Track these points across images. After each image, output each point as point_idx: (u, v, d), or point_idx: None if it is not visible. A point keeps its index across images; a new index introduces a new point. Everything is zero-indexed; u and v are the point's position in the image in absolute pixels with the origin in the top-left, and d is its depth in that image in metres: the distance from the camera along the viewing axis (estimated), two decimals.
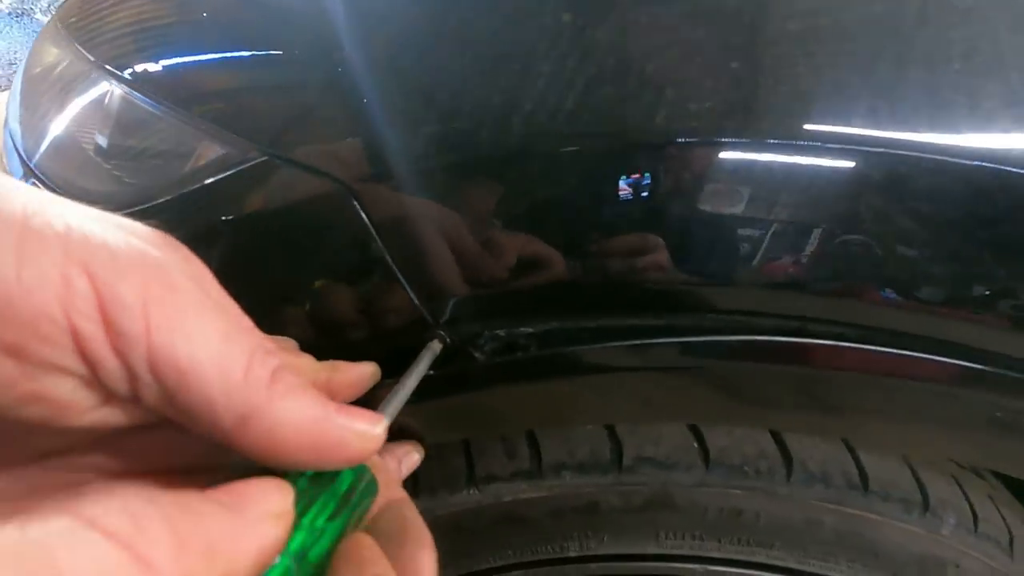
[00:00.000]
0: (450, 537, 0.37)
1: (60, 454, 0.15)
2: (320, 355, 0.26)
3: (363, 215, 0.27)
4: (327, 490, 0.17)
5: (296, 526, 0.15)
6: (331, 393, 0.24)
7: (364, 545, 0.17)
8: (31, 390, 0.12)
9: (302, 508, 0.15)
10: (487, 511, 0.35)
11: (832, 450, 0.34)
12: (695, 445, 0.34)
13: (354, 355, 0.26)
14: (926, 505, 0.33)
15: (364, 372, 0.25)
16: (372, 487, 0.20)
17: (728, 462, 0.33)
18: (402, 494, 0.24)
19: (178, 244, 0.17)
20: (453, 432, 0.32)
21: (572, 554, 0.36)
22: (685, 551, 0.35)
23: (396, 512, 0.21)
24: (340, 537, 0.17)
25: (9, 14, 3.12)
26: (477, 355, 0.29)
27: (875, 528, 0.33)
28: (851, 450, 0.34)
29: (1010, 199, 0.24)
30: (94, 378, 0.13)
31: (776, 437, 0.34)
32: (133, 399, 0.13)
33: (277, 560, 0.14)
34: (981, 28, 0.25)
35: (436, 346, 0.28)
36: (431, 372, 0.27)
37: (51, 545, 0.10)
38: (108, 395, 0.13)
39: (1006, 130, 0.24)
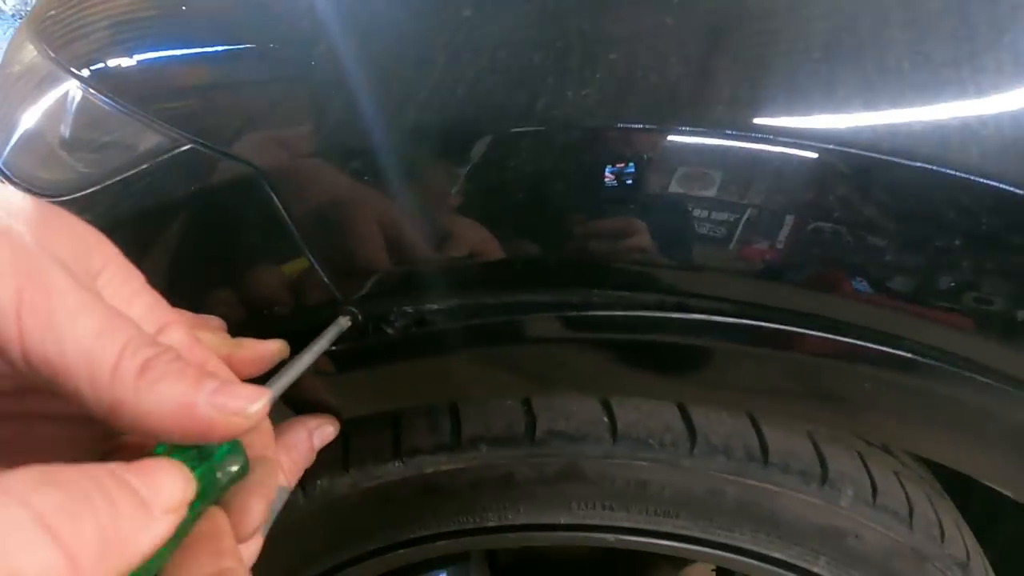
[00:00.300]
0: (378, 508, 0.39)
1: None
2: (243, 332, 0.28)
3: (274, 198, 0.29)
4: (199, 468, 0.17)
5: None
6: (234, 369, 0.25)
7: (220, 525, 0.18)
8: None
9: None
10: (412, 482, 0.37)
11: (736, 424, 0.35)
12: (604, 419, 0.35)
13: (275, 332, 0.28)
14: (825, 477, 0.35)
15: (267, 349, 0.27)
16: (243, 469, 0.20)
17: (635, 435, 0.35)
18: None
19: (68, 222, 0.18)
20: (366, 405, 0.34)
21: (491, 524, 0.37)
22: (597, 521, 0.36)
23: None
24: (200, 514, 0.18)
25: (12, 15, 3.17)
26: (388, 330, 0.31)
27: (775, 499, 0.35)
28: (755, 424, 0.36)
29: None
30: None
31: (683, 412, 0.35)
32: (20, 379, 0.15)
33: None
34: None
35: (344, 322, 0.30)
36: (335, 347, 0.29)
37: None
38: None
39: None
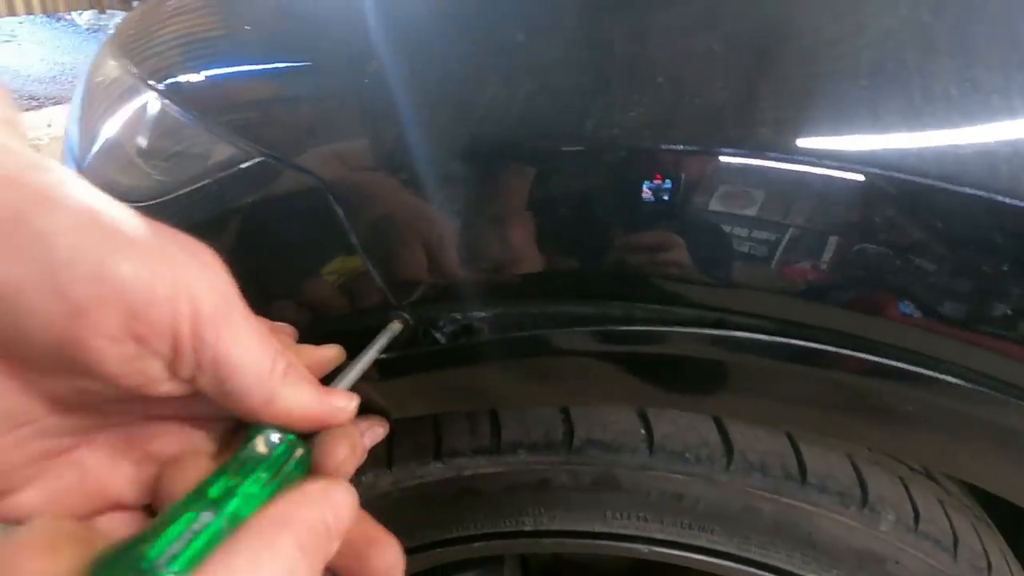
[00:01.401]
0: (418, 506, 0.40)
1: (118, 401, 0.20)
2: (302, 334, 0.30)
3: (336, 208, 0.31)
4: (263, 464, 0.19)
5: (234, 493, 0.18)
6: None
7: None
8: (139, 367, 0.17)
9: (241, 477, 0.19)
10: (451, 483, 0.39)
11: (774, 442, 0.36)
12: (641, 431, 0.36)
13: (331, 333, 0.31)
14: (864, 500, 0.35)
15: (324, 355, 0.29)
16: (304, 464, 0.21)
17: (671, 448, 0.35)
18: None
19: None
20: (415, 408, 0.36)
21: (527, 528, 0.38)
22: (631, 531, 0.37)
23: None
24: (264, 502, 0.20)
25: (87, 29, 3.39)
26: (437, 336, 0.33)
27: (812, 519, 0.35)
28: (793, 443, 0.36)
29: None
30: (173, 365, 0.18)
31: (720, 427, 0.36)
32: (187, 381, 0.18)
33: (211, 519, 0.17)
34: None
35: (396, 326, 0.31)
36: (385, 355, 0.31)
37: None
38: (174, 375, 0.18)
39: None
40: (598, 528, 0.37)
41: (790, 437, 0.36)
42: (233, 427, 0.22)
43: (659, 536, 0.37)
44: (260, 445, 0.20)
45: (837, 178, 0.26)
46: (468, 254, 0.31)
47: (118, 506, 0.20)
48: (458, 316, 0.33)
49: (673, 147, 0.28)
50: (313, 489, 0.19)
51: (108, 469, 0.20)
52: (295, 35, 0.39)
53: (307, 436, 0.22)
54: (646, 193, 0.29)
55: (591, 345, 0.31)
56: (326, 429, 0.21)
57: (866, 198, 0.26)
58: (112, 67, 0.48)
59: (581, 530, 0.38)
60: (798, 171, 0.27)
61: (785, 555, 0.36)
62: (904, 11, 0.28)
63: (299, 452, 0.21)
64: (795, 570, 0.36)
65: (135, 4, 3.41)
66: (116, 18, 3.31)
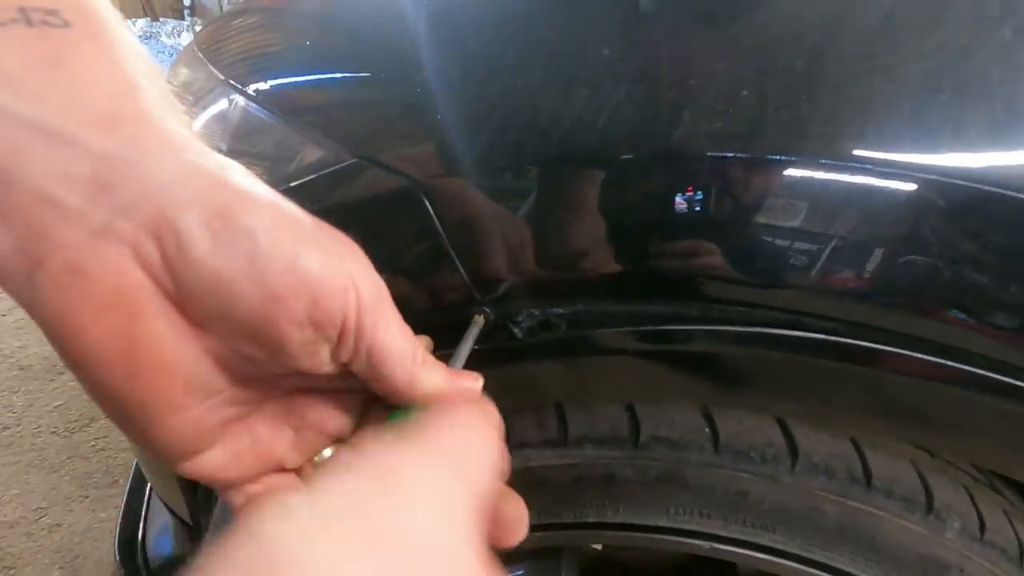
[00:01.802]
0: None
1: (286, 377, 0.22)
2: None
3: (429, 208, 0.33)
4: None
5: None
6: None
7: None
8: (312, 349, 0.20)
9: None
10: (517, 474, 0.40)
11: (838, 446, 0.36)
12: (707, 430, 0.37)
13: (417, 325, 0.33)
14: (930, 506, 0.35)
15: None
16: None
17: (736, 447, 0.36)
18: None
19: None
20: (494, 398, 0.38)
21: (590, 520, 0.40)
22: (693, 527, 0.38)
23: None
24: None
25: (140, 36, 3.54)
26: (516, 331, 0.35)
27: (876, 523, 0.35)
28: (857, 448, 0.36)
29: None
30: (336, 349, 0.20)
31: (784, 429, 0.37)
32: (345, 363, 0.21)
33: None
34: None
35: (480, 320, 0.33)
36: (476, 347, 0.33)
37: None
38: (336, 358, 0.21)
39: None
40: (660, 523, 0.39)
41: (854, 442, 0.37)
42: (368, 400, 0.25)
43: (721, 533, 0.38)
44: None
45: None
46: (547, 253, 0.33)
47: (281, 467, 0.22)
48: (536, 312, 0.35)
49: (742, 156, 0.30)
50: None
51: (274, 434, 0.22)
52: (373, 47, 0.42)
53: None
54: (717, 198, 0.30)
55: (663, 343, 0.32)
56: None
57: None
58: (192, 74, 0.52)
59: (643, 524, 0.39)
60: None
61: (848, 558, 0.37)
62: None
63: None
64: (858, 573, 0.37)
65: (187, 13, 3.55)
66: (168, 26, 3.45)
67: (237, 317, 0.18)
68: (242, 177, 0.19)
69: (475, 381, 0.24)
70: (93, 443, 1.18)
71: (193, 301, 0.18)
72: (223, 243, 0.17)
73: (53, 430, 1.20)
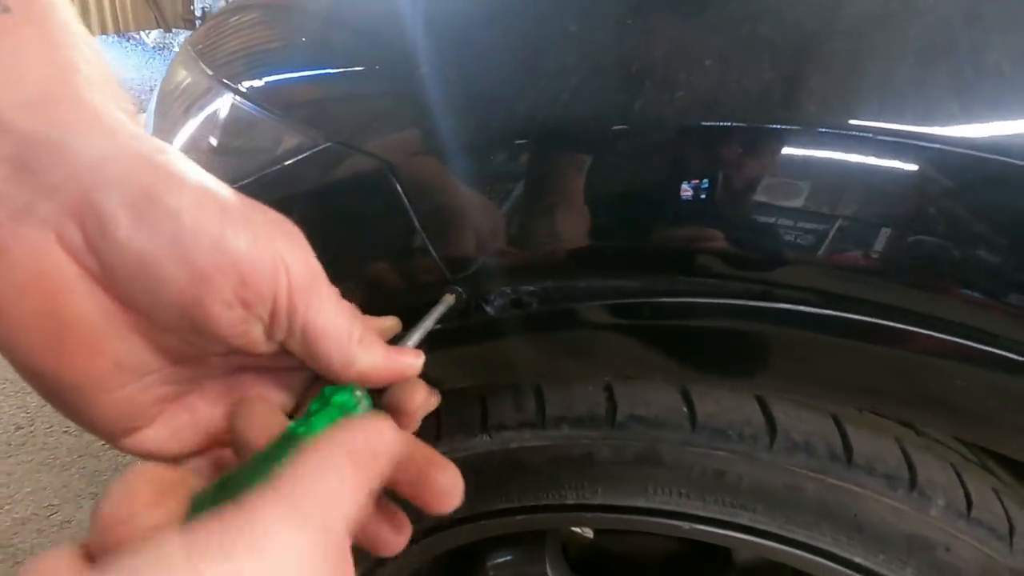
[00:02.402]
0: (465, 478, 0.42)
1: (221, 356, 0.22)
2: (365, 305, 0.32)
3: (399, 187, 0.34)
4: (334, 416, 0.22)
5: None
6: None
7: None
8: (244, 329, 0.20)
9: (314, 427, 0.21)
10: (497, 456, 0.40)
11: (819, 423, 0.36)
12: (684, 409, 0.37)
13: (390, 307, 0.33)
14: (913, 483, 0.34)
15: (384, 325, 0.32)
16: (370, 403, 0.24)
17: (714, 425, 0.36)
18: None
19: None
20: (466, 378, 0.38)
21: (570, 502, 0.40)
22: (672, 507, 0.38)
23: None
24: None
25: (153, 48, 3.62)
26: (488, 309, 0.35)
27: (858, 501, 0.35)
28: (839, 425, 0.36)
29: None
30: (270, 328, 0.20)
31: (763, 407, 0.36)
32: (280, 342, 0.21)
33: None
34: None
35: (450, 299, 0.34)
36: (440, 325, 0.33)
37: None
38: (270, 337, 0.21)
39: None
40: (639, 503, 0.38)
41: (836, 419, 0.36)
42: (311, 377, 0.25)
43: (700, 513, 0.37)
44: (332, 400, 0.22)
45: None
46: (516, 232, 0.33)
47: (221, 443, 0.23)
48: (508, 290, 0.35)
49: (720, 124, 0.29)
50: (357, 420, 0.20)
51: (213, 411, 0.22)
52: (351, 41, 0.42)
53: (380, 391, 0.24)
54: (691, 171, 0.30)
55: (632, 316, 0.32)
56: (400, 382, 0.24)
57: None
58: (187, 73, 0.53)
59: (622, 504, 0.39)
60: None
61: (831, 537, 0.36)
62: None
63: (364, 405, 0.24)
64: (841, 552, 0.36)
65: (198, 23, 3.62)
66: (180, 36, 3.52)
67: (164, 298, 0.18)
68: (173, 158, 0.19)
69: (416, 358, 0.24)
70: (103, 442, 1.20)
71: (119, 283, 0.18)
72: (147, 224, 0.18)
73: (65, 429, 1.23)
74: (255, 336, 0.20)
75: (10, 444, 1.19)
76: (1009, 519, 0.35)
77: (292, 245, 0.20)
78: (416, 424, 0.25)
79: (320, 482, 0.17)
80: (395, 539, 0.23)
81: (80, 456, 1.17)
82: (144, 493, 0.16)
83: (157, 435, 0.21)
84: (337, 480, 0.17)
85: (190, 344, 0.20)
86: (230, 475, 0.19)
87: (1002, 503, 0.36)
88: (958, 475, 0.36)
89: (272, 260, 0.19)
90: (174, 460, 0.22)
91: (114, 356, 0.19)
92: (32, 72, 0.18)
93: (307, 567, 0.15)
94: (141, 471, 0.17)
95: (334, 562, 0.15)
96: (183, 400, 0.22)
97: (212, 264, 0.18)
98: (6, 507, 1.07)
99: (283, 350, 0.21)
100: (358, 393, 0.22)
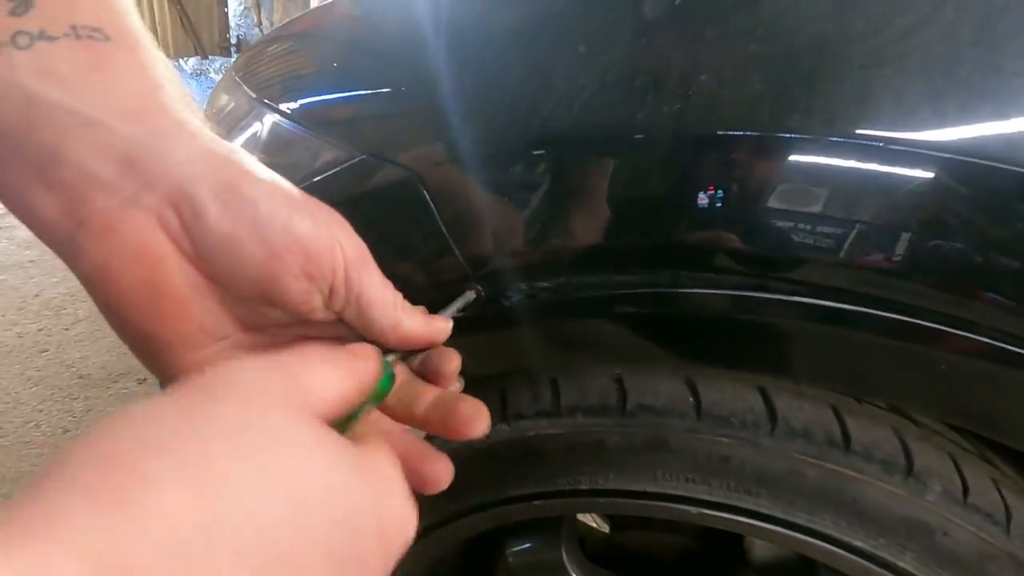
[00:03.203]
0: (486, 465, 0.45)
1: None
2: None
3: (426, 194, 0.37)
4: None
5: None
6: None
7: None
8: (308, 299, 0.24)
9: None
10: (515, 443, 0.43)
11: (818, 411, 0.38)
12: (690, 398, 0.39)
13: (417, 299, 0.37)
14: (910, 469, 0.36)
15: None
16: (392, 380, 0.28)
17: (717, 413, 0.38)
18: None
19: None
20: (486, 366, 0.41)
21: (583, 487, 0.42)
22: (680, 492, 0.40)
23: None
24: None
25: (191, 74, 3.80)
26: (505, 303, 0.38)
27: (856, 485, 0.37)
28: (837, 414, 0.38)
29: None
30: (329, 298, 0.24)
31: (764, 396, 0.39)
32: (337, 311, 0.25)
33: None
34: None
35: (470, 294, 0.37)
36: (462, 313, 0.36)
37: None
38: (328, 307, 0.25)
39: None
40: (649, 488, 0.41)
41: (834, 409, 0.38)
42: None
43: (706, 498, 0.40)
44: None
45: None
46: (533, 233, 0.37)
47: None
48: (524, 286, 0.38)
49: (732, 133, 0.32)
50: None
51: None
52: (379, 64, 0.47)
53: (409, 355, 0.28)
54: (694, 178, 0.33)
55: (644, 308, 0.35)
56: (438, 349, 0.28)
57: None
58: (231, 96, 0.58)
59: (633, 489, 0.41)
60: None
61: (831, 521, 0.38)
62: None
63: (397, 368, 0.28)
64: (841, 536, 0.38)
65: (233, 50, 3.80)
66: (217, 63, 3.69)
67: (244, 272, 0.22)
68: (246, 158, 0.23)
69: (447, 324, 0.28)
70: None
71: (206, 259, 0.22)
72: (231, 210, 0.22)
73: None
74: (316, 305, 0.24)
75: (57, 447, 1.26)
76: (1007, 506, 0.37)
77: (344, 229, 0.24)
78: (450, 384, 0.29)
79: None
80: (436, 472, 0.25)
81: None
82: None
83: None
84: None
85: (259, 313, 0.24)
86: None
87: (999, 491, 0.37)
88: (955, 463, 0.37)
89: (330, 241, 0.23)
90: None
91: (199, 320, 0.23)
92: (130, 89, 0.22)
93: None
94: None
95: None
96: None
97: (283, 244, 0.22)
98: None
99: (336, 319, 0.25)
100: (390, 358, 0.26)
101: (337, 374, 0.20)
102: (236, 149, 0.24)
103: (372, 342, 0.27)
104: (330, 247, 0.23)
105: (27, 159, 0.20)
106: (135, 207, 0.21)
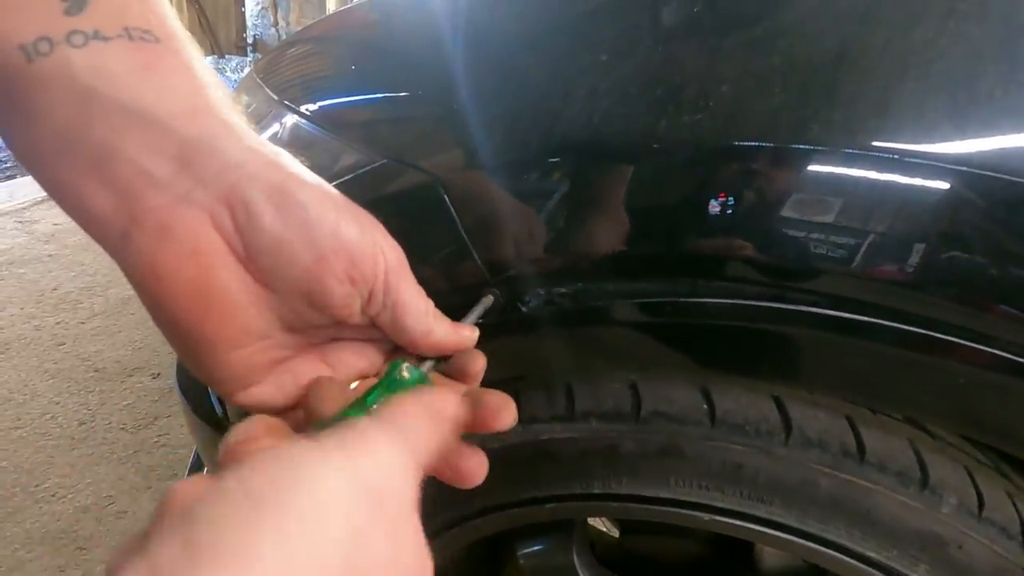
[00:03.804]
0: (500, 467, 0.45)
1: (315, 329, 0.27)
2: None
3: (446, 199, 0.38)
4: (404, 385, 0.26)
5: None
6: None
7: None
8: (349, 302, 0.24)
9: (388, 392, 0.25)
10: (529, 446, 0.44)
11: (832, 421, 0.38)
12: (704, 406, 0.40)
13: (436, 303, 0.37)
14: (925, 481, 0.36)
15: None
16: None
17: (732, 421, 0.39)
18: None
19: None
20: (503, 370, 0.41)
21: (596, 491, 0.43)
22: (693, 499, 0.40)
23: None
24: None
25: None
26: (523, 308, 0.39)
27: (871, 497, 0.37)
28: (852, 424, 0.38)
29: None
30: (367, 304, 0.25)
31: (779, 405, 0.39)
32: (372, 316, 0.26)
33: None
34: None
35: (488, 300, 0.37)
36: (482, 320, 0.37)
37: None
38: (365, 311, 0.25)
39: None
40: (662, 494, 0.41)
41: (849, 419, 0.38)
42: (389, 351, 0.30)
43: (719, 505, 0.40)
44: (403, 371, 0.27)
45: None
46: (551, 238, 0.37)
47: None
48: (542, 291, 0.39)
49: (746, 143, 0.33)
50: (433, 389, 0.25)
51: (312, 372, 0.27)
52: (401, 68, 0.47)
53: (440, 360, 0.29)
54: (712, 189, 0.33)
55: (658, 316, 0.35)
56: (464, 351, 0.29)
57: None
58: (252, 97, 0.59)
59: (646, 495, 0.41)
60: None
61: (844, 531, 0.38)
62: None
63: (428, 379, 0.28)
64: (854, 546, 0.38)
65: (249, 50, 3.84)
66: (232, 62, 3.73)
67: (292, 274, 0.23)
68: (292, 161, 0.24)
69: (473, 332, 0.29)
70: (157, 439, 1.28)
71: (256, 260, 0.23)
72: (283, 213, 0.22)
73: (122, 426, 1.31)
74: (355, 308, 0.25)
75: (73, 438, 1.28)
76: (1022, 520, 0.37)
77: (386, 236, 0.25)
78: (476, 384, 0.30)
79: (410, 418, 0.21)
80: (473, 467, 0.26)
81: (135, 452, 1.25)
82: (261, 429, 0.21)
83: (266, 390, 0.25)
84: (420, 422, 0.21)
85: (299, 315, 0.25)
86: (325, 419, 0.23)
87: (1015, 505, 0.37)
88: (970, 476, 0.37)
89: (373, 247, 0.24)
90: (277, 413, 0.26)
91: (244, 320, 0.23)
92: (181, 90, 0.22)
93: (400, 476, 0.18)
94: (256, 417, 0.22)
95: (413, 481, 0.19)
96: (288, 363, 0.26)
97: (331, 248, 0.23)
98: (69, 496, 1.15)
99: (369, 324, 0.26)
100: (425, 367, 0.27)
101: (437, 438, 0.21)
102: (280, 151, 0.24)
103: (402, 350, 0.28)
104: (373, 253, 0.24)
105: (83, 155, 0.21)
106: (189, 205, 0.22)
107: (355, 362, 0.28)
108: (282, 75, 0.61)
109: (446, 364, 0.30)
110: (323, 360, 0.27)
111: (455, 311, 0.37)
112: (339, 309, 0.24)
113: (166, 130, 0.21)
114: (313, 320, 0.25)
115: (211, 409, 0.57)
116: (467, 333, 0.29)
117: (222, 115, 0.23)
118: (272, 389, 0.26)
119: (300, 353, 0.27)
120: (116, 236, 0.22)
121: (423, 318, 0.26)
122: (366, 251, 0.24)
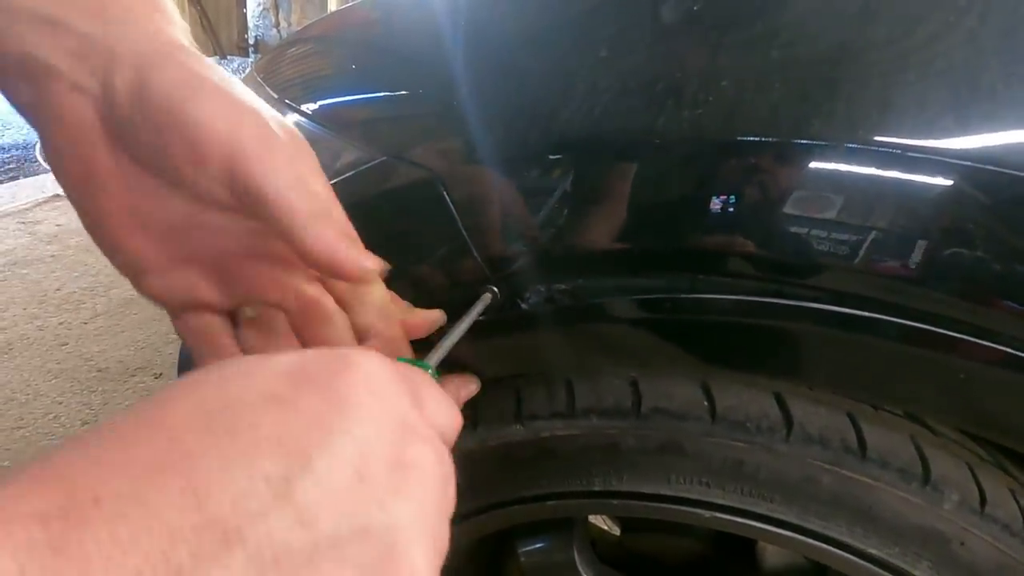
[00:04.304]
0: (500, 465, 0.45)
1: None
2: (413, 297, 0.37)
3: (446, 195, 0.38)
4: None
5: None
6: (406, 328, 0.35)
7: None
8: (207, 188, 0.25)
9: None
10: (529, 444, 0.43)
11: (833, 418, 0.38)
12: (705, 402, 0.39)
13: (435, 299, 0.37)
14: (927, 478, 0.36)
15: (431, 316, 0.36)
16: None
17: (733, 418, 0.39)
18: None
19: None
20: (503, 367, 0.41)
21: (597, 488, 0.42)
22: (694, 495, 0.40)
23: None
24: None
25: None
26: (523, 305, 0.39)
27: (872, 493, 0.37)
28: (853, 421, 0.38)
29: None
30: (229, 186, 0.25)
31: (780, 402, 0.39)
32: (239, 201, 0.25)
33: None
34: None
35: (487, 297, 0.37)
36: (482, 317, 0.37)
37: None
38: (232, 194, 0.25)
39: None
40: (663, 491, 0.41)
41: (850, 416, 0.38)
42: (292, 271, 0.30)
43: (720, 502, 0.40)
44: None
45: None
46: (551, 235, 0.37)
47: (213, 309, 0.29)
48: (541, 288, 0.38)
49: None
50: None
51: (206, 282, 0.28)
52: (400, 66, 0.48)
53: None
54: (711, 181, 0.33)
55: (656, 312, 0.35)
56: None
57: None
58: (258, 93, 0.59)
59: (646, 492, 0.41)
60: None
61: (846, 528, 0.38)
62: None
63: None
64: (856, 543, 0.38)
65: (251, 51, 3.84)
66: (234, 63, 3.74)
67: (149, 156, 0.25)
68: (178, 51, 0.25)
69: (376, 264, 0.28)
70: None
71: (123, 142, 0.25)
72: (138, 97, 0.24)
73: None
74: (216, 192, 0.25)
75: None
76: None
77: (257, 125, 0.25)
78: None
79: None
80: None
81: None
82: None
83: (160, 283, 0.27)
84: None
85: (176, 208, 0.26)
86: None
87: (1017, 501, 0.37)
88: (972, 472, 0.37)
89: (226, 133, 0.24)
90: (173, 313, 0.28)
91: (128, 202, 0.26)
92: None
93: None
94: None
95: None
96: (183, 269, 0.28)
97: (175, 129, 0.24)
98: None
99: (265, 232, 0.27)
100: (429, 370, 0.27)
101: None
102: (181, 47, 0.25)
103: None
104: (219, 133, 0.24)
105: (9, 59, 0.24)
106: (80, 94, 0.24)
107: (256, 276, 0.29)
108: (282, 74, 0.61)
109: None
110: (224, 271, 0.28)
111: (454, 308, 0.37)
112: (200, 195, 0.25)
113: (68, 28, 0.24)
114: (195, 216, 0.26)
115: None
116: (367, 264, 0.27)
117: (127, 8, 0.25)
118: (164, 285, 0.27)
119: (195, 264, 0.28)
120: (39, 128, 0.25)
121: (295, 218, 0.24)
122: (211, 133, 0.24)
